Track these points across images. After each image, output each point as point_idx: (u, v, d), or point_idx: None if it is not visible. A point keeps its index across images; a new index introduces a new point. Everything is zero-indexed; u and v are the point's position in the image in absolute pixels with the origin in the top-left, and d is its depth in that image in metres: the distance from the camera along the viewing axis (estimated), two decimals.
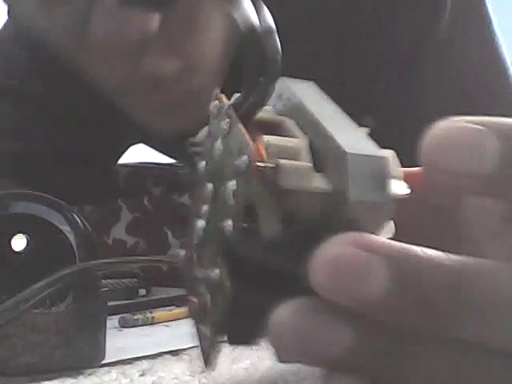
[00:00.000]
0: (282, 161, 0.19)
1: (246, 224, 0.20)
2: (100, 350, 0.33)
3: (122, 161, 0.78)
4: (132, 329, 0.44)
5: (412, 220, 0.25)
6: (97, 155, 0.72)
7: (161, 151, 0.75)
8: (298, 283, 0.19)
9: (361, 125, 0.22)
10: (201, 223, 0.23)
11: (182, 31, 0.47)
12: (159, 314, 0.47)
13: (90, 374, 0.32)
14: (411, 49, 0.57)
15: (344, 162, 0.19)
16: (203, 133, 0.24)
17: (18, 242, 0.34)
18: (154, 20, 0.44)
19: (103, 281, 0.54)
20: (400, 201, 0.21)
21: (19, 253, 0.33)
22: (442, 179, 0.20)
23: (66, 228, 0.34)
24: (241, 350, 0.36)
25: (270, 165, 0.19)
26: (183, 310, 0.50)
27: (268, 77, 0.22)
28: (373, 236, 0.19)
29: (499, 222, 0.22)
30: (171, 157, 0.77)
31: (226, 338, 0.21)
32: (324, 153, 0.20)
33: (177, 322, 0.47)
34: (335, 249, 0.18)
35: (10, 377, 0.31)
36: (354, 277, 0.18)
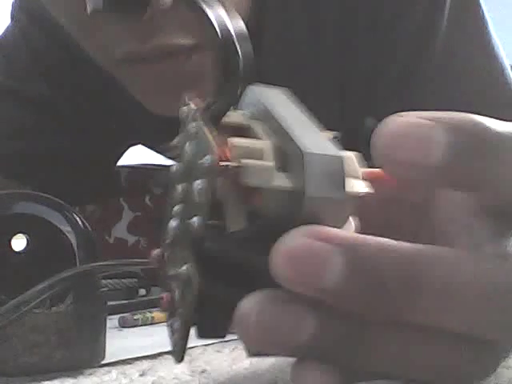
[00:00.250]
0: (245, 160, 0.21)
1: (212, 221, 0.22)
2: (100, 350, 0.33)
3: (122, 162, 0.78)
4: (132, 329, 0.45)
5: (389, 219, 0.26)
6: (97, 155, 0.72)
7: (158, 152, 0.75)
8: (263, 276, 0.20)
9: (331, 130, 0.24)
10: (173, 223, 0.24)
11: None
12: (159, 314, 0.47)
13: (90, 374, 0.32)
14: (411, 54, 0.57)
15: (301, 161, 0.20)
16: (180, 137, 0.25)
17: (18, 242, 0.34)
18: None
19: (103, 281, 0.54)
20: (366, 199, 0.22)
21: (19, 253, 0.33)
22: (398, 174, 0.21)
23: (66, 228, 0.34)
24: (241, 350, 0.36)
25: (234, 164, 0.21)
26: None
27: (237, 79, 0.23)
28: (328, 228, 0.20)
29: (467, 215, 0.23)
30: (169, 158, 0.77)
31: (194, 331, 0.23)
32: (286, 154, 0.22)
33: None
34: (293, 240, 0.19)
35: (10, 377, 0.31)
36: (311, 266, 0.19)
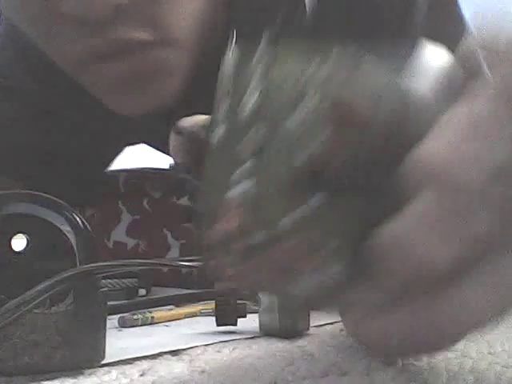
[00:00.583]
0: None
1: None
2: (100, 350, 0.33)
3: (120, 166, 0.78)
4: (132, 329, 0.45)
5: None
6: (92, 153, 0.71)
7: (162, 150, 0.75)
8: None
9: None
10: (243, 185, 0.22)
11: (155, 1, 0.45)
12: (159, 314, 0.47)
13: (90, 374, 0.32)
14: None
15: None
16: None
17: (18, 242, 0.34)
18: None
19: (103, 281, 0.54)
20: None
21: (19, 253, 0.33)
22: None
23: (66, 228, 0.34)
24: (241, 350, 0.36)
25: None
26: (183, 309, 0.50)
27: None
28: None
29: None
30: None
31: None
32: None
33: (177, 322, 0.47)
34: None
35: (10, 377, 0.31)
36: None
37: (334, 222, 0.21)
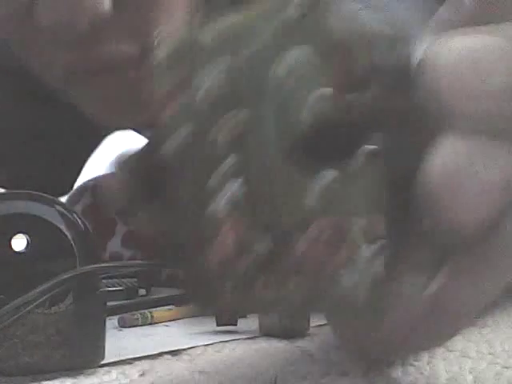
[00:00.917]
0: None
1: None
2: (100, 350, 0.33)
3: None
4: (132, 329, 0.44)
5: None
6: (74, 141, 0.66)
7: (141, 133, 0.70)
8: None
9: None
10: (226, 190, 0.17)
11: (141, 9, 0.43)
12: (159, 313, 0.47)
13: (89, 374, 0.32)
14: None
15: None
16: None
17: (18, 242, 0.34)
18: None
19: (103, 281, 0.54)
20: None
21: (19, 253, 0.33)
22: None
23: (66, 228, 0.34)
24: (241, 350, 0.36)
25: None
26: (183, 309, 0.50)
27: None
28: None
29: None
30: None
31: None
32: None
33: (177, 321, 0.47)
34: None
35: (10, 377, 0.31)
36: None
37: (353, 197, 0.17)
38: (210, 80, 0.17)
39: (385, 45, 0.17)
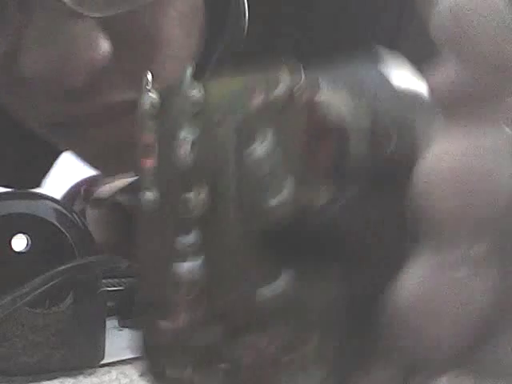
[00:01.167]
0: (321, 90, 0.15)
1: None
2: (100, 350, 0.33)
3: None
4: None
5: None
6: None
7: None
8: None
9: None
10: (186, 265, 0.16)
11: (138, 53, 0.38)
12: None
13: (89, 374, 0.32)
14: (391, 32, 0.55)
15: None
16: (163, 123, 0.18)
17: (18, 242, 0.34)
18: (104, 43, 0.35)
19: (103, 280, 0.54)
20: None
21: (19, 253, 0.33)
22: None
23: (66, 228, 0.34)
24: None
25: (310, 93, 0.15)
26: None
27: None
28: None
29: None
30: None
31: None
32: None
33: None
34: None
35: (10, 377, 0.31)
36: None
37: (310, 309, 0.15)
38: (182, 145, 0.16)
39: (362, 139, 0.15)
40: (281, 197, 0.15)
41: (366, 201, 0.15)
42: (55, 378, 0.31)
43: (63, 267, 0.32)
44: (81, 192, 0.71)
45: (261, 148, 0.15)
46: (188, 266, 0.16)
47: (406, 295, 0.15)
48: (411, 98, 0.16)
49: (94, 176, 0.73)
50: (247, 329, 0.16)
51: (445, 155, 0.15)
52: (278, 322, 0.15)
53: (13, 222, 0.34)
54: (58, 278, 0.31)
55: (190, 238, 0.16)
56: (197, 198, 0.16)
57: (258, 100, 0.15)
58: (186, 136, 0.16)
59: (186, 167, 0.16)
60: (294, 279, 0.15)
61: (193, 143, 0.16)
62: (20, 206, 0.35)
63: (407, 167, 0.14)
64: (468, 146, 0.15)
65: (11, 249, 0.33)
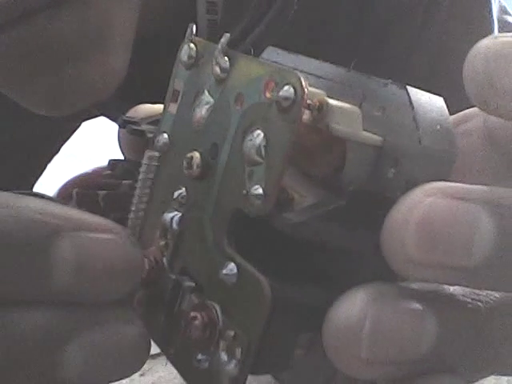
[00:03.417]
0: (331, 100, 0.15)
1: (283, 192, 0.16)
2: None
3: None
4: None
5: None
6: (41, 132, 0.61)
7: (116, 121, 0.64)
8: (355, 266, 0.15)
9: None
10: (172, 214, 0.18)
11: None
12: None
13: None
14: (410, 39, 0.55)
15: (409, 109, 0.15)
16: (186, 85, 0.19)
17: None
18: None
19: None
20: None
21: None
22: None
23: None
24: None
25: (316, 101, 0.15)
26: None
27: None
28: (459, 184, 0.14)
29: None
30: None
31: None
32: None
33: None
34: (422, 201, 0.14)
35: None
36: (455, 236, 0.14)
37: (252, 301, 0.15)
38: (199, 106, 0.18)
39: (365, 156, 0.16)
40: (261, 188, 0.15)
41: (346, 219, 0.15)
42: None
43: None
44: (73, 195, 0.70)
45: (258, 138, 0.15)
46: (171, 216, 0.18)
47: (335, 316, 0.14)
48: (432, 138, 0.16)
49: (83, 176, 0.72)
50: (198, 290, 0.17)
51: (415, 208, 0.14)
52: (221, 298, 0.16)
53: None
54: None
55: (181, 192, 0.18)
56: (196, 160, 0.17)
57: (270, 94, 0.15)
58: (207, 100, 0.17)
59: (196, 129, 0.18)
60: (247, 268, 0.15)
61: (208, 109, 0.17)
62: None
63: (393, 201, 0.14)
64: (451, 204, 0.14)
65: None
